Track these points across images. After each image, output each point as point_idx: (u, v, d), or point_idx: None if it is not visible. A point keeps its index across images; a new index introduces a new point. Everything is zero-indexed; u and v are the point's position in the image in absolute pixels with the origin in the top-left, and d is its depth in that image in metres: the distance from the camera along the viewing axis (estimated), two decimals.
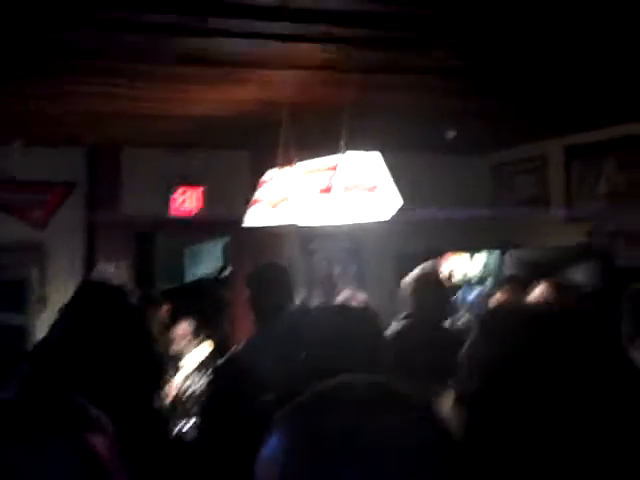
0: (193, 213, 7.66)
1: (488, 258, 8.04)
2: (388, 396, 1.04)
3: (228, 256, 11.42)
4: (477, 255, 8.08)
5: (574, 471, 1.04)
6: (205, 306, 9.87)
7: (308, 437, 0.98)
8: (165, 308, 9.16)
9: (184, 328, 6.49)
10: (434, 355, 3.79)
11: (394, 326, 4.46)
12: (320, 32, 4.02)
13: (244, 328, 7.43)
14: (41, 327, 5.27)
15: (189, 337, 6.46)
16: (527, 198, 8.04)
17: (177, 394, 5.56)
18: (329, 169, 4.86)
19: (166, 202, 7.58)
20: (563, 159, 7.57)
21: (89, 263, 7.40)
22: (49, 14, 3.67)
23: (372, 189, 4.72)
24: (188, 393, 5.66)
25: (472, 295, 8.01)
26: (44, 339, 4.04)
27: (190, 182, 7.62)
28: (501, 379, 1.11)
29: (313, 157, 5.25)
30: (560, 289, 4.44)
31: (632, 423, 1.08)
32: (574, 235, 7.11)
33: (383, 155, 4.87)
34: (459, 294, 8.06)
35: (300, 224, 5.34)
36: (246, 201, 6.00)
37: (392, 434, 0.98)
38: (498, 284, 5.07)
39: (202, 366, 5.72)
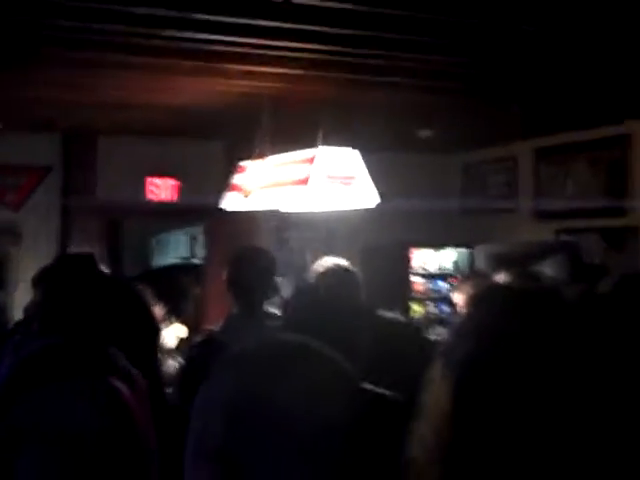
0: (167, 201, 7.72)
1: (458, 253, 8.22)
2: (310, 353, 1.09)
3: (195, 247, 11.48)
4: (446, 250, 8.25)
5: (567, 451, 0.99)
6: (171, 292, 9.96)
7: (235, 391, 1.03)
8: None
9: (158, 310, 6.57)
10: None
11: None
12: (301, 29, 4.11)
13: (215, 315, 7.52)
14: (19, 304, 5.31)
15: (162, 320, 6.56)
16: (497, 197, 8.22)
17: None
18: (306, 161, 4.96)
19: (141, 189, 7.64)
20: (532, 160, 7.78)
21: (63, 247, 7.43)
22: (27, 2, 3.72)
23: (349, 181, 4.84)
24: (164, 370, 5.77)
25: (443, 288, 8.18)
26: (25, 310, 4.11)
27: (165, 170, 7.68)
28: (492, 349, 1.04)
29: (289, 150, 5.34)
30: (521, 278, 4.54)
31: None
32: (543, 233, 7.31)
33: (358, 152, 5.00)
34: (430, 286, 8.23)
35: (277, 210, 5.44)
36: (222, 189, 6.07)
37: (308, 388, 1.02)
38: (463, 278, 5.17)
39: (180, 345, 5.84)
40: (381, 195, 5.00)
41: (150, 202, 7.70)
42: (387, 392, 1.97)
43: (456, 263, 8.31)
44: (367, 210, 5.28)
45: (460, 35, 4.26)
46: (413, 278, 8.08)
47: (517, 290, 1.24)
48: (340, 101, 5.65)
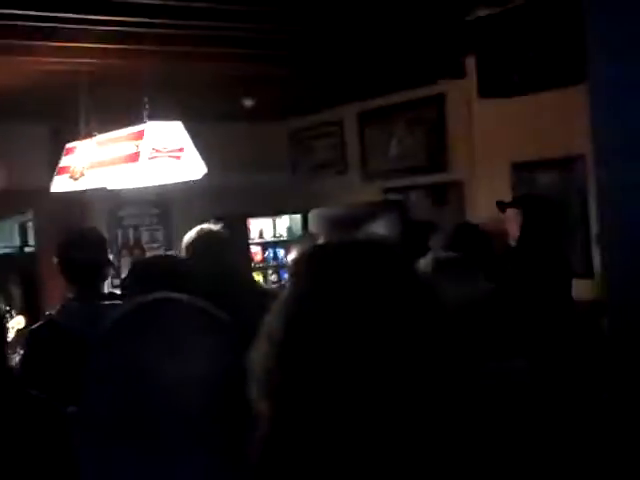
0: None
1: (292, 220, 8.38)
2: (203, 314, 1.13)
3: (26, 234, 11.14)
4: (281, 218, 8.40)
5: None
6: (9, 282, 9.68)
7: (127, 356, 1.06)
8: None
9: None
10: None
11: None
12: (110, 1, 4.08)
13: (54, 301, 7.36)
14: None
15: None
16: (325, 162, 8.41)
17: None
18: (134, 137, 4.95)
19: None
20: (357, 123, 8.00)
21: None
22: None
23: (177, 155, 4.87)
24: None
25: (281, 254, 8.33)
26: None
27: None
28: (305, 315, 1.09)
29: (114, 127, 5.29)
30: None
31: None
32: (371, 194, 7.57)
33: (185, 126, 5.02)
34: (268, 254, 8.37)
35: (108, 188, 5.39)
36: (50, 173, 5.92)
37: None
38: (295, 241, 5.27)
39: (19, 336, 5.72)
40: (211, 169, 5.05)
41: None
42: None
43: (290, 229, 8.47)
44: (199, 183, 5.32)
45: (276, 3, 4.35)
46: (252, 248, 8.19)
47: (336, 244, 1.28)
48: (162, 74, 5.62)
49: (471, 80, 6.13)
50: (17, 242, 11.88)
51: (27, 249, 10.87)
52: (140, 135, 4.88)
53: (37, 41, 4.66)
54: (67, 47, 4.83)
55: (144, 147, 4.79)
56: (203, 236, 4.28)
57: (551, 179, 5.98)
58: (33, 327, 3.69)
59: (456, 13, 5.15)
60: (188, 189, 5.89)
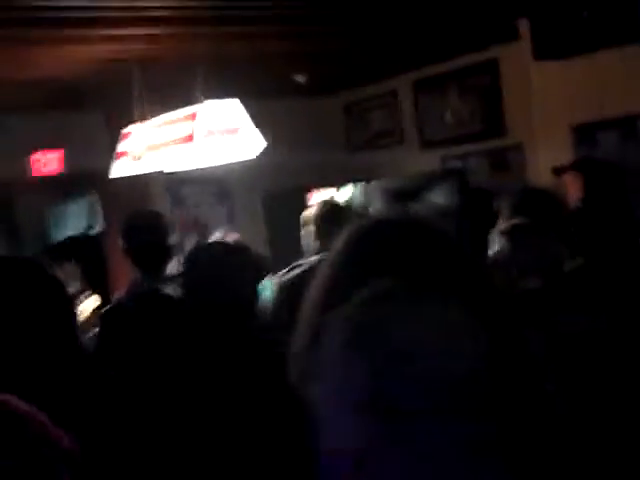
0: (55, 174, 7.60)
1: (354, 190, 8.35)
2: None
3: (94, 215, 11.33)
4: (343, 188, 8.37)
5: None
6: (78, 263, 9.87)
7: None
8: None
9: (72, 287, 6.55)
10: None
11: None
12: None
13: (123, 280, 7.50)
14: None
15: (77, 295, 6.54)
16: (381, 133, 8.36)
17: None
18: (188, 118, 4.98)
19: (25, 166, 7.49)
20: (411, 93, 7.93)
21: None
22: None
23: (234, 132, 4.88)
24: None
25: None
26: None
27: (48, 144, 7.54)
28: None
29: (169, 109, 5.34)
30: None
31: None
32: (429, 163, 7.50)
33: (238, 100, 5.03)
34: None
35: (166, 171, 5.44)
36: (108, 157, 6.00)
37: None
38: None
39: (92, 316, 5.85)
40: (268, 145, 5.06)
41: (38, 177, 7.57)
42: None
43: (351, 200, 8.44)
44: (257, 160, 5.34)
45: None
46: None
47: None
48: (213, 55, 5.63)
49: (525, 43, 6.03)
50: (85, 224, 12.12)
51: (95, 230, 11.08)
52: (194, 115, 4.91)
53: (89, 29, 4.70)
54: (118, 34, 4.86)
55: (199, 127, 4.83)
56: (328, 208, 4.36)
57: (613, 139, 5.87)
58: (105, 309, 3.78)
59: None
60: (247, 166, 5.90)
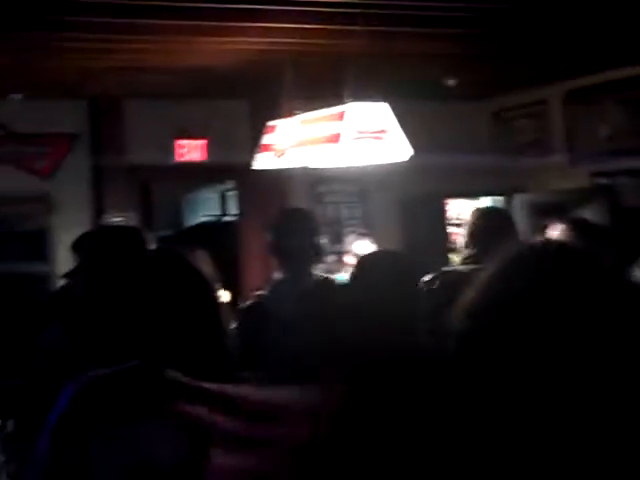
0: (196, 161, 7.69)
1: (493, 202, 8.13)
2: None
3: (225, 204, 11.47)
4: (480, 200, 8.16)
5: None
6: (212, 242, 10.01)
7: None
8: None
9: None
10: None
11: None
12: None
13: (254, 274, 7.54)
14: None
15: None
16: (528, 143, 8.09)
17: None
18: (336, 118, 4.91)
19: (169, 152, 7.61)
20: (563, 103, 7.63)
21: (96, 214, 7.44)
22: None
23: (381, 135, 4.78)
24: None
25: None
26: (67, 291, 4.08)
27: (192, 131, 7.64)
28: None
29: (315, 106, 5.29)
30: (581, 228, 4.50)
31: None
32: (576, 178, 7.21)
33: (384, 100, 4.93)
34: None
35: (309, 166, 5.40)
36: (250, 146, 6.02)
37: None
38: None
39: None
40: (414, 147, 4.94)
41: (180, 163, 7.68)
42: None
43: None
44: (399, 162, 5.22)
45: None
46: (450, 228, 8.02)
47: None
48: (364, 53, 5.55)
49: None
50: (217, 210, 12.30)
51: (227, 218, 11.21)
52: (343, 115, 4.83)
53: (244, 22, 4.71)
54: (272, 27, 4.86)
55: (346, 128, 4.74)
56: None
57: None
58: (242, 306, 3.72)
59: None
60: (388, 167, 5.80)
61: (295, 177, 7.41)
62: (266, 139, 5.70)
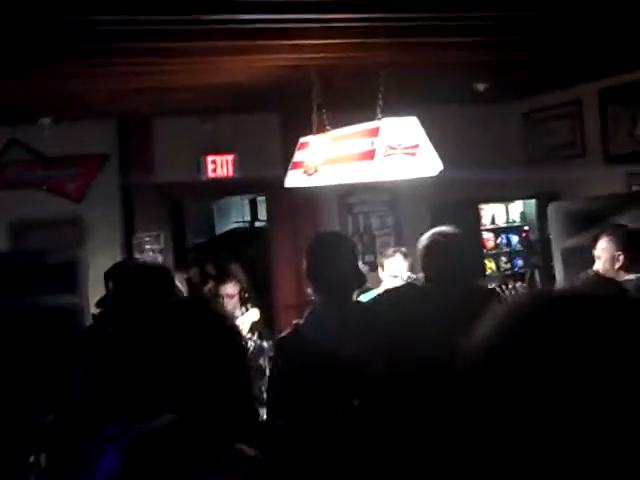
0: (226, 176, 7.65)
1: (525, 206, 8.03)
2: None
3: (256, 209, 11.49)
4: (514, 204, 8.07)
5: None
6: (244, 251, 10.04)
7: None
8: (196, 269, 9.32)
9: (232, 287, 6.59)
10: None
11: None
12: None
13: (286, 279, 7.51)
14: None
15: (237, 297, 6.58)
16: (561, 144, 7.93)
17: None
18: (368, 135, 4.84)
19: (199, 168, 7.59)
20: (598, 102, 7.46)
21: (127, 233, 7.43)
22: (75, 4, 3.69)
23: (413, 152, 4.71)
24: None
25: (514, 241, 8.05)
26: (96, 329, 4.06)
27: (221, 146, 7.60)
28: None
29: (346, 118, 5.23)
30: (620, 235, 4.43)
31: None
32: (614, 178, 7.06)
33: (413, 109, 4.87)
34: (501, 240, 8.09)
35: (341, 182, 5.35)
36: (279, 159, 5.94)
37: None
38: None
39: (253, 329, 5.85)
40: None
41: (210, 179, 7.64)
42: None
43: (524, 214, 8.15)
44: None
45: None
46: (484, 234, 7.94)
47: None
48: (391, 64, 5.49)
49: None
50: (248, 217, 12.34)
51: (258, 223, 11.23)
52: (375, 132, 4.76)
53: (274, 40, 4.67)
54: (301, 44, 4.81)
55: (379, 144, 4.67)
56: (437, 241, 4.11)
57: None
58: (281, 336, 3.60)
59: None
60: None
61: (325, 188, 7.34)
62: (298, 156, 5.64)
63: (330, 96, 5.56)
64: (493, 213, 8.03)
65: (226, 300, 6.61)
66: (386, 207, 8.20)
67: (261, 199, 9.87)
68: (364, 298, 4.17)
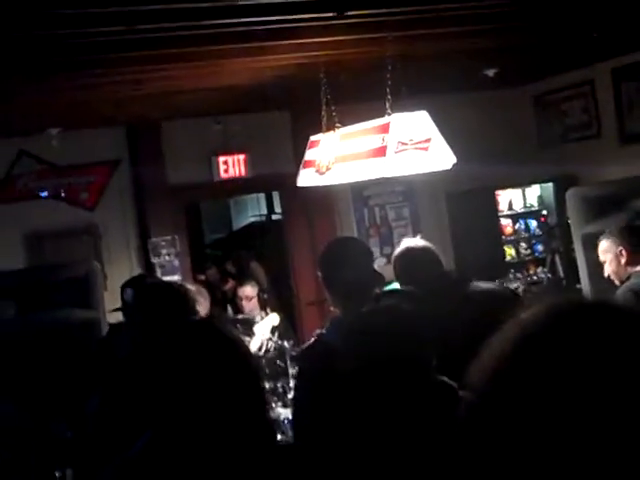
0: (239, 176, 7.60)
1: (542, 190, 7.93)
2: None
3: (272, 202, 11.47)
4: (531, 188, 7.98)
5: None
6: (262, 245, 10.02)
7: None
8: (214, 269, 9.31)
9: (250, 289, 6.57)
10: None
11: None
12: None
13: (304, 271, 7.47)
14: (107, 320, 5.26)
15: (256, 299, 6.56)
16: (575, 125, 7.81)
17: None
18: (379, 131, 4.78)
19: (211, 169, 7.54)
20: (611, 82, 7.32)
21: (142, 238, 7.41)
22: (67, 16, 3.65)
23: (424, 146, 4.64)
24: (264, 361, 5.79)
25: (533, 226, 7.97)
26: (111, 340, 4.03)
27: (232, 146, 7.56)
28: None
29: (355, 113, 5.17)
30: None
31: None
32: (630, 159, 6.94)
33: (423, 100, 4.80)
34: (519, 225, 8.01)
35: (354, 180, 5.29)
36: (291, 156, 5.85)
37: None
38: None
39: (274, 331, 5.83)
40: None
41: (223, 180, 7.60)
42: None
43: (541, 198, 8.05)
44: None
45: None
46: (502, 221, 7.85)
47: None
48: (399, 56, 5.41)
49: None
50: (264, 210, 12.33)
51: (275, 216, 11.20)
52: (386, 128, 4.69)
53: (276, 41, 4.63)
54: (307, 43, 4.75)
55: (391, 140, 4.60)
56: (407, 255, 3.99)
57: None
58: (304, 347, 3.55)
59: None
60: None
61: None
62: (309, 155, 5.58)
63: (339, 92, 5.50)
64: (510, 199, 7.94)
65: (245, 302, 6.59)
66: (401, 198, 8.13)
67: (276, 192, 9.84)
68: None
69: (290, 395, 5.13)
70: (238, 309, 6.76)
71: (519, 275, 7.44)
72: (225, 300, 8.01)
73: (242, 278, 7.59)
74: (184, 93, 6.07)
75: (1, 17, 3.56)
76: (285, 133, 7.59)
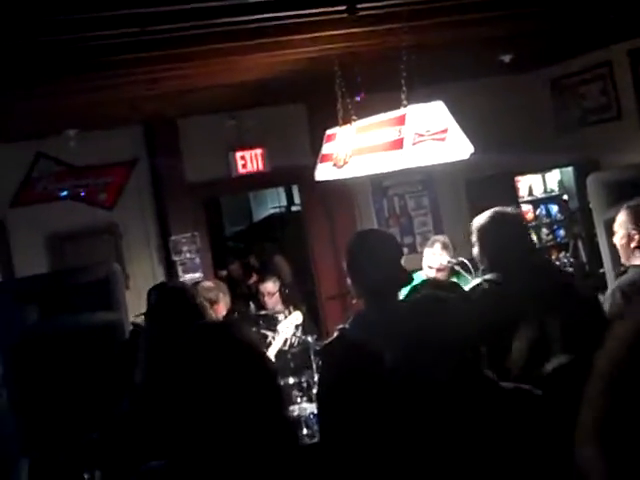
0: (256, 171, 7.59)
1: (563, 175, 7.87)
2: None
3: (292, 193, 11.46)
4: (551, 173, 7.91)
5: None
6: (283, 237, 10.01)
7: None
8: (237, 264, 9.32)
9: (272, 285, 6.58)
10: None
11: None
12: None
13: (326, 263, 7.46)
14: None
15: (277, 294, 6.56)
16: (594, 108, 7.74)
17: (279, 354, 5.74)
18: (395, 123, 4.75)
19: (228, 165, 7.54)
20: (629, 63, 7.24)
21: (163, 236, 7.42)
22: (93, 19, 3.65)
23: (441, 137, 4.60)
24: (289, 356, 5.81)
25: (554, 211, 7.91)
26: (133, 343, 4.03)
27: (249, 141, 7.54)
28: None
29: (373, 104, 5.14)
30: None
31: None
32: None
33: (440, 88, 4.77)
34: (540, 211, 7.96)
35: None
36: (308, 149, 5.81)
37: None
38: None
39: (298, 327, 5.84)
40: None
41: (241, 175, 7.59)
42: None
43: (561, 183, 7.98)
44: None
45: None
46: (523, 207, 7.79)
47: None
48: (413, 47, 5.38)
49: None
50: (284, 201, 12.32)
51: (294, 208, 11.20)
52: (402, 120, 4.66)
53: (292, 35, 4.61)
54: (320, 36, 4.73)
55: (407, 132, 4.58)
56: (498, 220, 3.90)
57: None
58: (326, 342, 3.52)
59: None
60: None
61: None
62: (326, 148, 5.56)
63: (354, 85, 5.48)
64: (530, 184, 7.88)
65: (267, 298, 6.60)
66: (421, 187, 8.10)
67: (296, 190, 9.83)
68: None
69: (314, 390, 5.14)
70: (261, 305, 6.76)
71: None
72: (250, 295, 8.02)
73: (265, 272, 7.60)
74: (199, 90, 6.07)
75: (16, 22, 3.58)
76: (302, 126, 7.57)
